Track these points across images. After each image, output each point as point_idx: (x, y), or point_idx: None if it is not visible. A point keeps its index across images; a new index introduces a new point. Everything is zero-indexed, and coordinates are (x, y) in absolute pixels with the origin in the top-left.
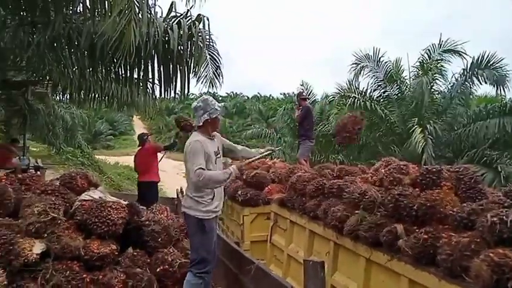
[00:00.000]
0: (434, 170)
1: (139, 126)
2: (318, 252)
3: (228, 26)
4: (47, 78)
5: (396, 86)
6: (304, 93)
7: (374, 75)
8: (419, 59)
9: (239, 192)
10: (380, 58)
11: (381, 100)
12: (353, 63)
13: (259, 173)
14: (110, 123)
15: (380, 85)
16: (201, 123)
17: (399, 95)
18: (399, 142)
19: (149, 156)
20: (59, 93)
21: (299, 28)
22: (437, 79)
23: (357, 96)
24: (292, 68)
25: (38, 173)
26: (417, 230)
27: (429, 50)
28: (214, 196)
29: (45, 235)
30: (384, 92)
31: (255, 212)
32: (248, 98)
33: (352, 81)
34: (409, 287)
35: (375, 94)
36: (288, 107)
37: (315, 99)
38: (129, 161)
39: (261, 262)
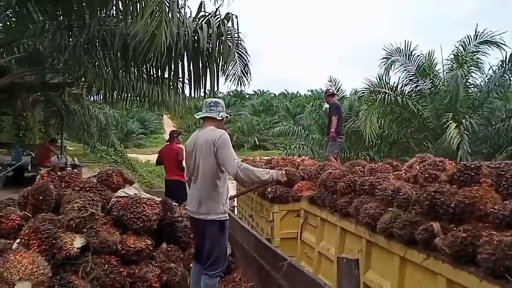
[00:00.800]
0: (472, 166)
1: (168, 125)
2: (350, 249)
3: (253, 23)
4: (83, 79)
5: (429, 79)
6: (331, 90)
7: (405, 69)
8: (453, 51)
9: (268, 189)
10: (411, 51)
11: (413, 95)
12: (383, 58)
13: (289, 170)
14: (141, 123)
15: (411, 79)
16: (220, 118)
17: (432, 89)
18: (433, 138)
19: (176, 158)
20: (94, 94)
21: (326, 24)
22: (473, 72)
23: (387, 91)
24: (319, 64)
25: (75, 170)
26: (454, 228)
27: (464, 42)
28: (227, 195)
29: (85, 230)
30: (416, 87)
31: (284, 209)
32: (275, 95)
33: (382, 76)
34: (447, 286)
35: (407, 89)
36: (316, 103)
37: (343, 95)
38: None
39: (293, 259)
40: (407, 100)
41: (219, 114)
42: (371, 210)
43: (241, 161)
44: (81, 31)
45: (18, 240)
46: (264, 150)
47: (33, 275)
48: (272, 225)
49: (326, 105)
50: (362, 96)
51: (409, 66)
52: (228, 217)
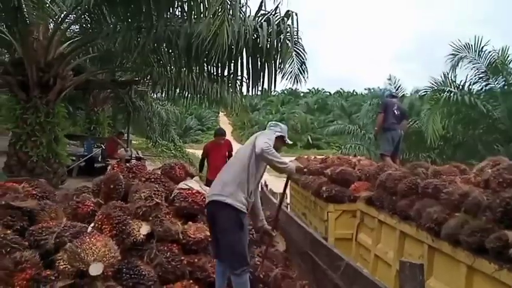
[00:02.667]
0: None
1: (224, 122)
2: (410, 254)
3: (307, 20)
4: (148, 77)
5: (502, 77)
6: (388, 93)
7: (474, 67)
8: None
9: (323, 188)
10: (481, 47)
11: (483, 94)
12: (449, 54)
13: (345, 170)
14: (198, 119)
15: (481, 77)
16: (275, 136)
17: (505, 87)
18: (504, 140)
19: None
20: (157, 91)
21: (385, 20)
22: None
23: (453, 90)
24: (377, 62)
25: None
26: None
27: None
28: (251, 193)
29: (150, 218)
30: (486, 85)
31: (340, 209)
32: (330, 93)
33: (448, 73)
34: None
35: (475, 87)
36: (373, 102)
37: (403, 94)
38: None
39: (351, 259)
40: (476, 99)
41: (274, 132)
42: (434, 215)
43: (295, 159)
44: (149, 31)
45: (92, 225)
46: (317, 149)
47: (105, 257)
48: (326, 225)
49: None
50: (425, 95)
51: (479, 63)
52: (246, 212)
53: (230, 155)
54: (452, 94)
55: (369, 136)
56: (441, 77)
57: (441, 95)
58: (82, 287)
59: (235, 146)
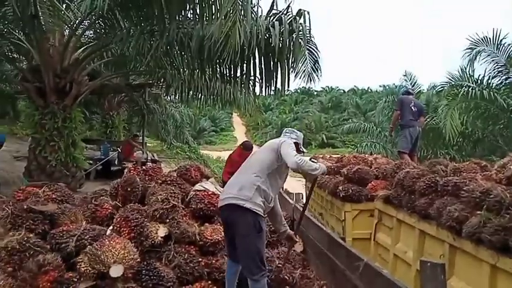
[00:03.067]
0: None
1: (237, 123)
2: (430, 254)
3: (320, 17)
4: (162, 80)
5: None
6: (403, 90)
7: (493, 60)
8: None
9: (340, 187)
10: (501, 40)
11: (503, 88)
12: (467, 48)
13: (362, 169)
14: (212, 121)
15: (500, 71)
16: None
17: None
18: None
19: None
20: (171, 94)
21: (399, 15)
22: None
23: (471, 84)
24: (391, 58)
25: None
26: None
27: None
28: (271, 200)
29: (167, 220)
30: (506, 79)
31: (357, 209)
32: (344, 91)
33: (465, 68)
34: None
35: (495, 81)
36: (389, 99)
37: (420, 90)
38: None
39: (370, 259)
40: (495, 94)
41: (290, 139)
42: (455, 213)
43: (310, 158)
44: (161, 35)
45: (111, 227)
46: (332, 148)
47: (125, 259)
48: (344, 225)
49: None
50: (442, 90)
51: (498, 56)
52: (264, 216)
53: None
54: (470, 89)
55: (385, 134)
56: (458, 71)
57: (459, 90)
58: None
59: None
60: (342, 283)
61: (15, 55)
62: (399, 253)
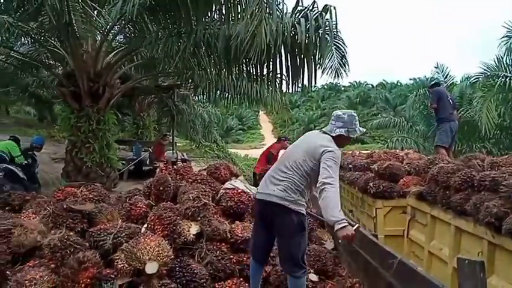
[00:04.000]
0: None
1: (264, 121)
2: (467, 251)
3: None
4: (190, 81)
5: None
6: (432, 82)
7: None
8: None
9: (371, 184)
10: None
11: None
12: (503, 36)
13: (393, 164)
14: (239, 119)
15: None
16: (334, 135)
17: None
18: None
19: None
20: (199, 94)
21: (428, 5)
22: None
23: (509, 74)
24: (421, 50)
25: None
26: None
27: None
28: (309, 199)
29: (199, 218)
30: None
31: (389, 205)
32: (372, 86)
33: (502, 57)
34: None
35: None
36: (420, 92)
37: (453, 82)
38: (257, 153)
39: (404, 257)
40: None
41: (334, 130)
42: (494, 209)
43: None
44: (189, 36)
45: (145, 225)
46: (361, 144)
47: (159, 256)
48: (375, 222)
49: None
50: (476, 82)
51: None
52: (306, 215)
53: None
54: (507, 79)
55: (417, 128)
56: (494, 61)
57: (496, 80)
58: (139, 284)
59: None
60: (376, 281)
61: (51, 61)
62: (435, 250)
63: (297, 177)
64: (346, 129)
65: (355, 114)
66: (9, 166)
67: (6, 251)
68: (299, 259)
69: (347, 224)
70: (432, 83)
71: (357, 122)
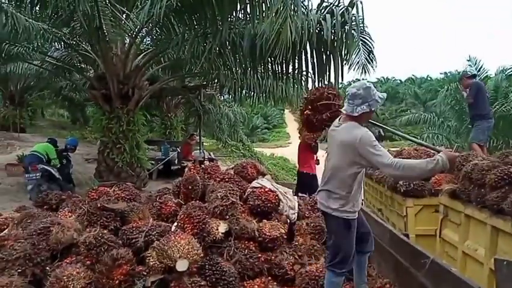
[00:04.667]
0: None
1: (290, 119)
2: (505, 252)
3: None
4: (216, 81)
5: None
6: (469, 72)
7: None
8: None
9: (400, 182)
10: None
11: None
12: None
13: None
14: (264, 118)
15: None
16: (356, 115)
17: None
18: None
19: (307, 150)
20: (225, 94)
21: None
22: None
23: None
24: (452, 43)
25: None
26: None
27: None
28: (360, 196)
29: (227, 217)
30: None
31: (420, 204)
32: (401, 81)
33: None
34: None
35: None
36: (451, 87)
37: (487, 75)
38: (283, 152)
39: (437, 257)
40: None
41: (356, 109)
42: None
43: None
44: (214, 37)
45: (175, 224)
46: (390, 141)
47: (189, 254)
48: (405, 221)
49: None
50: None
51: None
52: (355, 216)
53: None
54: None
55: (448, 124)
56: None
57: None
58: (170, 281)
59: None
60: (407, 281)
61: (83, 65)
62: (469, 251)
63: (339, 184)
64: (367, 103)
65: (369, 84)
66: (46, 167)
67: (46, 247)
68: (342, 256)
69: (437, 157)
70: (468, 74)
71: (375, 91)
